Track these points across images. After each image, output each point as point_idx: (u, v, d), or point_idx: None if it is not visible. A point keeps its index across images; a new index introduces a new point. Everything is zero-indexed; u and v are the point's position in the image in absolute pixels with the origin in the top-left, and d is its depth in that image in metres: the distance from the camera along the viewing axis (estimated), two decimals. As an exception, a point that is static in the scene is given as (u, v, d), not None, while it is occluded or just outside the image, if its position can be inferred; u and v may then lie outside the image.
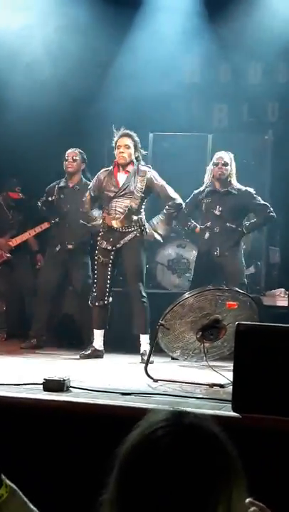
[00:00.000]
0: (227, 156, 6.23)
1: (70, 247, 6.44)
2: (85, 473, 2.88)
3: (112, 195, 5.92)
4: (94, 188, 6.08)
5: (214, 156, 6.34)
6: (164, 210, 6.08)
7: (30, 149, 6.97)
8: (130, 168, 5.93)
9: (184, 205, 6.15)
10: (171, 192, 6.02)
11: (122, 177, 5.94)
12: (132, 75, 7.39)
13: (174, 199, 6.02)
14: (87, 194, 6.14)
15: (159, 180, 5.98)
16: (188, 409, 1.16)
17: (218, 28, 7.60)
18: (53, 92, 7.04)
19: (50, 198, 6.58)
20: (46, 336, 6.52)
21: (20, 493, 1.42)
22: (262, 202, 6.29)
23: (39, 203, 6.70)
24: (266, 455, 2.99)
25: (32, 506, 1.43)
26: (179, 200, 6.06)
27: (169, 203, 6.03)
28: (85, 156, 6.54)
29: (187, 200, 6.26)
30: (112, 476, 1.11)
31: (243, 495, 1.11)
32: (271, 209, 6.25)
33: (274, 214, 6.28)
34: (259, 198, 6.30)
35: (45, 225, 6.80)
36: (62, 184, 6.57)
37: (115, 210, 5.90)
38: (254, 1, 7.42)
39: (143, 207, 6.00)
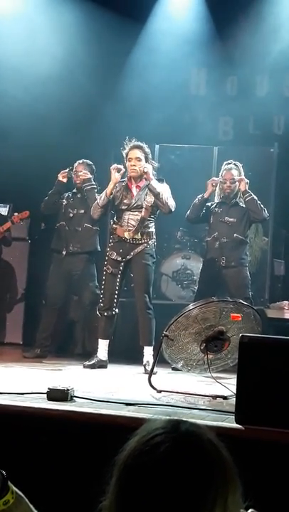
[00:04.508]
0: (236, 172, 6.34)
1: (75, 249, 6.47)
2: (88, 482, 2.89)
3: (124, 207, 5.97)
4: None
5: (223, 168, 6.41)
6: (163, 191, 5.88)
7: (35, 160, 6.97)
8: (143, 180, 5.98)
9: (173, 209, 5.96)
10: (171, 197, 5.93)
11: (136, 190, 5.98)
12: (138, 86, 7.43)
13: (169, 204, 5.90)
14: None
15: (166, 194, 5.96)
16: (191, 420, 1.18)
17: (225, 40, 7.65)
18: (58, 103, 7.07)
19: (61, 200, 6.62)
20: (50, 345, 6.54)
21: (26, 500, 1.45)
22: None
23: (42, 204, 6.72)
24: (269, 467, 2.99)
25: (37, 512, 1.46)
26: (173, 204, 5.91)
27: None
28: (93, 167, 6.60)
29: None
30: (111, 482, 1.13)
31: (238, 501, 1.13)
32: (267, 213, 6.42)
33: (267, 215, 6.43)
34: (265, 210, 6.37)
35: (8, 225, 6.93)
36: (72, 191, 6.65)
37: (128, 222, 5.95)
38: (261, 13, 7.47)
39: (154, 219, 6.02)
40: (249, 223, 6.41)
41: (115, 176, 5.94)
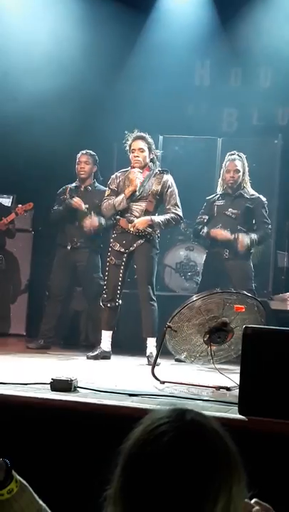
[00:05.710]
0: (239, 163, 6.26)
1: (79, 244, 6.47)
2: (91, 472, 2.90)
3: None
4: (112, 183, 6.09)
5: (226, 159, 6.36)
6: (168, 217, 5.95)
7: (39, 152, 6.96)
8: (146, 171, 5.95)
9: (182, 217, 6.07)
10: (178, 203, 5.97)
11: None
12: (143, 77, 7.42)
13: (177, 209, 5.95)
14: (107, 190, 6.13)
15: (172, 186, 5.97)
16: (196, 410, 1.18)
17: (229, 32, 7.64)
18: (61, 94, 7.05)
19: (61, 197, 6.60)
20: (54, 336, 6.55)
21: (30, 489, 1.46)
22: (265, 216, 6.31)
23: (52, 210, 6.70)
24: (272, 458, 3.00)
25: (41, 502, 1.47)
26: (181, 213, 5.99)
27: (174, 212, 5.95)
28: (96, 158, 6.57)
29: (202, 210, 6.36)
30: (116, 471, 1.13)
31: (243, 490, 1.14)
32: (270, 226, 6.37)
33: (270, 231, 6.42)
34: (266, 210, 6.33)
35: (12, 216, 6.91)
36: (74, 185, 6.60)
37: (131, 213, 5.92)
38: (265, 6, 7.45)
39: (157, 211, 6.01)
40: (253, 217, 6.37)
41: (136, 182, 5.86)
